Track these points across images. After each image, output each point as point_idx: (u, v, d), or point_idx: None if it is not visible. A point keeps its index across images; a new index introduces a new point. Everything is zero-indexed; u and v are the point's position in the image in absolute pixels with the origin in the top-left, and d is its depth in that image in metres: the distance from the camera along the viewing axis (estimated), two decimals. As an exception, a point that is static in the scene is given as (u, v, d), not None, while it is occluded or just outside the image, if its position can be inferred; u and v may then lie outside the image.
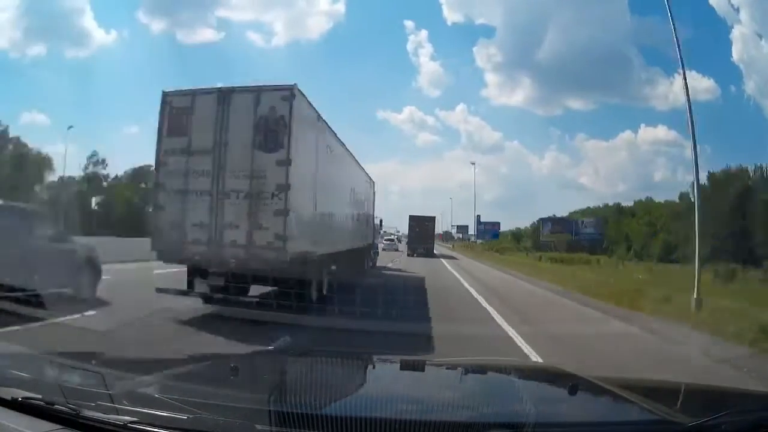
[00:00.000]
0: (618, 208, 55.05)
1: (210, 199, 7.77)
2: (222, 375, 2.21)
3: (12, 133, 46.21)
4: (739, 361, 6.37)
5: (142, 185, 55.64)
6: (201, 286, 8.03)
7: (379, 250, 26.42)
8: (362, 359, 2.97)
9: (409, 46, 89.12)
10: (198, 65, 78.69)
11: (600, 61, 66.10)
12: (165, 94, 8.24)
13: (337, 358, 3.03)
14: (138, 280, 10.39)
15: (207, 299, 8.18)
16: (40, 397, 1.52)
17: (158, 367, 2.29)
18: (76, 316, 7.16)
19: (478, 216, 60.06)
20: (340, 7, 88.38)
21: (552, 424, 1.68)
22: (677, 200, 49.65)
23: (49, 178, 45.09)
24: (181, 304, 8.07)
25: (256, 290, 8.59)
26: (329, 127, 10.37)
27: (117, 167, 58.52)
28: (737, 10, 57.00)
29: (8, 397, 1.54)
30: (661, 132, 77.63)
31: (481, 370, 2.74)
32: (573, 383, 2.02)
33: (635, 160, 70.12)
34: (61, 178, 45.13)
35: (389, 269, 22.02)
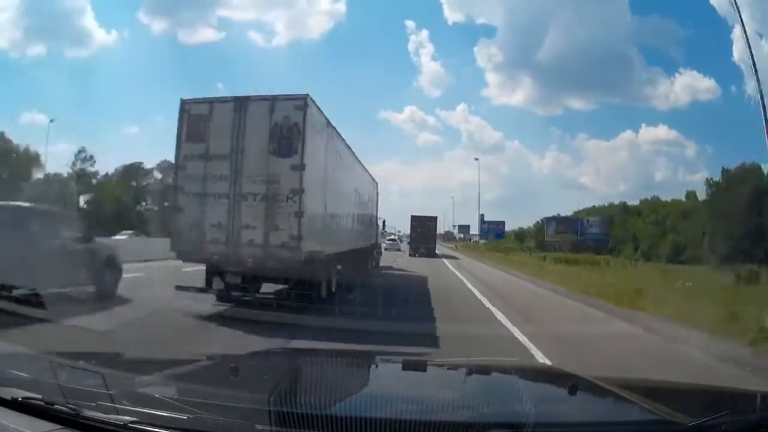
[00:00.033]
0: (623, 207, 53.92)
1: (228, 201, 8.18)
2: (222, 375, 2.21)
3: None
4: None
5: (133, 183, 54.99)
6: (218, 283, 8.42)
7: (382, 249, 26.51)
8: (362, 358, 2.98)
9: (410, 46, 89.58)
10: (199, 65, 79.07)
11: (601, 60, 66.16)
12: (183, 102, 8.62)
13: (337, 358, 3.04)
14: (151, 280, 11.11)
15: (223, 297, 8.52)
16: (40, 397, 1.52)
17: (158, 367, 2.30)
18: (100, 313, 7.66)
19: (482, 215, 58.07)
20: (341, 7, 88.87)
21: (552, 424, 1.68)
22: (683, 199, 48.81)
23: (37, 175, 43.72)
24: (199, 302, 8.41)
25: (266, 289, 9.08)
26: (337, 132, 10.78)
27: (114, 166, 57.65)
28: (738, 10, 56.91)
29: (8, 397, 1.54)
30: (662, 132, 77.84)
31: (480, 370, 2.74)
32: (573, 383, 2.02)
33: (636, 160, 70.15)
34: (47, 176, 43.82)
35: (393, 269, 22.30)
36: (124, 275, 9.88)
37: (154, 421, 1.43)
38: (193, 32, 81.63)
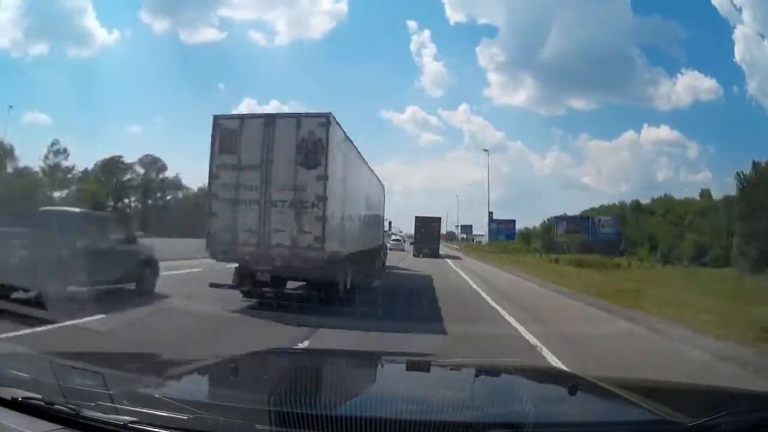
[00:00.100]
0: (636, 206, 50.84)
1: (258, 207, 9.13)
2: (222, 375, 2.21)
3: (14, 133, 45.81)
4: None
5: (114, 180, 52.57)
6: (247, 282, 9.32)
7: (388, 250, 26.95)
8: (362, 359, 2.98)
9: (412, 46, 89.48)
10: (200, 65, 79.11)
11: (602, 60, 66.08)
12: (216, 117, 9.59)
13: (336, 358, 3.04)
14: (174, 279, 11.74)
15: (251, 294, 9.32)
16: (40, 397, 1.52)
17: (158, 367, 2.30)
18: (147, 306, 8.78)
19: (491, 213, 53.21)
20: (343, 7, 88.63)
21: (552, 424, 1.68)
22: (691, 198, 47.23)
23: (11, 168, 41.91)
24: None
25: (289, 286, 10.10)
26: (352, 143, 11.66)
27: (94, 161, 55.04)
28: (740, 10, 56.97)
29: (8, 397, 1.54)
30: (664, 132, 77.72)
31: (480, 370, 2.74)
32: (573, 383, 2.02)
33: (638, 160, 70.05)
34: (16, 169, 42.01)
35: (399, 268, 22.88)
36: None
37: (154, 421, 1.43)
38: (195, 32, 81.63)
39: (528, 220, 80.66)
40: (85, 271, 8.25)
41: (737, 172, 32.11)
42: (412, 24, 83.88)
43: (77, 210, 10.95)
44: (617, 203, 54.04)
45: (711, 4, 67.98)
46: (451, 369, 2.85)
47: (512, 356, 5.78)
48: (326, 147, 9.02)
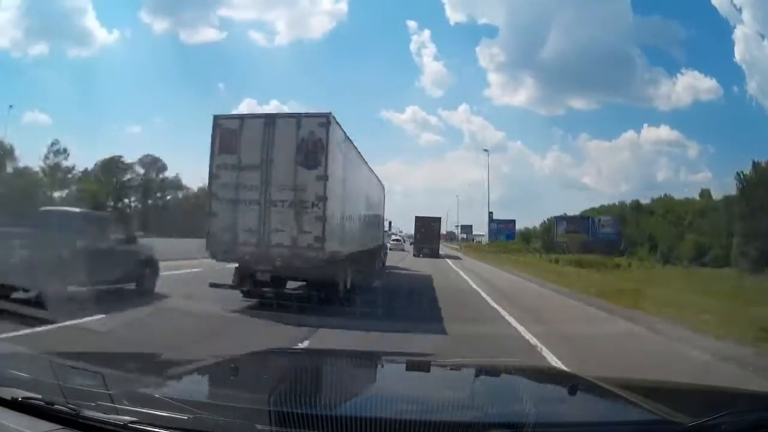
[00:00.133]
0: (636, 206, 50.28)
1: (258, 207, 9.12)
2: (222, 375, 2.21)
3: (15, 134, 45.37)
4: None
5: (114, 180, 52.01)
6: (247, 282, 9.35)
7: (388, 250, 27.10)
8: (361, 359, 2.98)
9: (412, 46, 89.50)
10: (200, 65, 79.07)
11: (602, 60, 66.10)
12: (216, 117, 9.57)
13: (336, 358, 3.04)
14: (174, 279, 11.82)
15: (250, 294, 9.36)
16: (40, 397, 1.52)
17: (158, 367, 2.30)
18: (148, 306, 8.90)
19: (491, 213, 52.24)
20: (343, 7, 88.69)
21: (552, 424, 1.68)
22: (690, 198, 46.88)
23: (11, 168, 41.25)
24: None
25: (289, 286, 10.15)
26: (352, 143, 11.66)
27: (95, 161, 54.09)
28: (739, 10, 56.98)
29: (8, 397, 1.54)
30: (664, 132, 77.77)
31: (480, 370, 2.74)
32: (573, 383, 2.02)
33: (638, 160, 70.08)
34: (16, 169, 41.44)
35: (399, 268, 23.01)
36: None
37: (154, 421, 1.43)
38: (195, 32, 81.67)
39: (528, 220, 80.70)
40: (85, 271, 8.29)
41: (737, 172, 31.82)
42: (412, 24, 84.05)
43: (77, 210, 11.01)
44: (617, 203, 53.75)
45: (711, 4, 68.06)
46: (450, 369, 2.85)
47: (512, 356, 5.76)
48: (326, 147, 9.03)
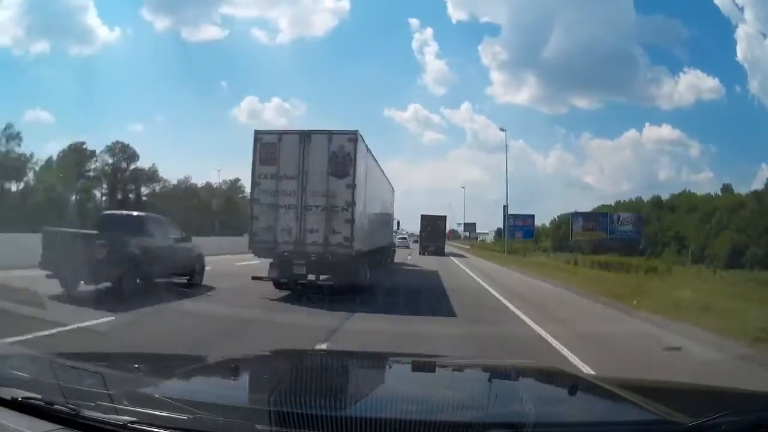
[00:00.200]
0: (657, 202, 46.99)
1: (295, 211, 10.55)
2: (222, 375, 2.21)
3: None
4: None
5: (79, 170, 46.44)
6: (283, 275, 10.65)
7: (396, 248, 27.89)
8: (361, 359, 2.98)
9: (414, 44, 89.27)
10: (202, 63, 79.10)
11: (605, 59, 66.11)
12: (257, 132, 10.99)
13: (336, 359, 3.04)
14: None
15: (284, 286, 10.89)
16: (40, 397, 1.52)
17: (158, 367, 2.30)
18: (211, 293, 10.90)
19: (505, 206, 44.30)
20: (345, 5, 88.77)
21: (552, 424, 1.68)
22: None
23: None
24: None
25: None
26: (372, 154, 13.22)
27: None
28: (742, 9, 56.95)
29: (8, 397, 1.54)
30: (666, 131, 77.89)
31: (480, 370, 2.74)
32: (573, 383, 2.02)
33: (640, 159, 70.16)
34: None
35: (407, 264, 24.83)
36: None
37: (154, 421, 1.43)
38: (197, 30, 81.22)
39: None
40: (154, 266, 10.05)
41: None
42: (414, 22, 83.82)
43: (141, 213, 12.63)
44: (633, 199, 51.04)
45: (713, 4, 68.14)
46: (450, 369, 2.85)
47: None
48: (354, 159, 10.46)
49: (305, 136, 10.74)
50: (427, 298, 11.11)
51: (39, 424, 1.48)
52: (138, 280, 9.80)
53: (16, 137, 43.69)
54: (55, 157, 47.47)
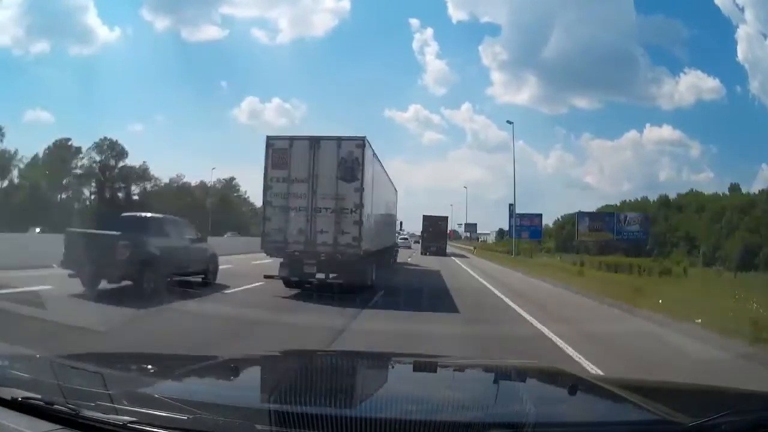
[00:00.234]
0: (664, 201, 46.09)
1: (306, 213, 11.08)
2: (222, 375, 2.21)
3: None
4: None
5: (64, 168, 44.45)
6: (294, 273, 11.15)
7: (398, 248, 28.32)
8: (361, 359, 2.98)
9: (415, 45, 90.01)
10: (202, 63, 79.09)
11: (605, 60, 66.28)
12: (269, 138, 11.50)
13: (335, 359, 3.04)
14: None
15: (293, 284, 11.29)
16: (39, 397, 1.52)
17: (158, 367, 2.30)
18: (227, 291, 11.25)
19: (511, 205, 42.20)
20: (346, 5, 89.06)
21: (552, 424, 1.68)
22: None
23: None
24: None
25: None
26: (378, 158, 13.79)
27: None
28: (742, 10, 56.98)
29: (8, 397, 1.54)
30: (666, 132, 78.05)
31: (480, 370, 2.74)
32: (573, 383, 2.02)
33: (640, 160, 70.33)
34: None
35: (409, 264, 25.45)
36: None
37: (154, 421, 1.43)
38: (197, 30, 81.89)
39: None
40: (172, 265, 10.45)
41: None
42: (414, 22, 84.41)
43: (160, 215, 12.83)
44: (639, 199, 50.67)
45: (714, 4, 68.37)
46: (450, 369, 2.85)
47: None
48: (362, 164, 10.98)
49: (315, 141, 11.20)
50: (430, 295, 11.78)
51: (39, 424, 1.48)
52: (161, 278, 10.20)
53: (-1, 133, 40.95)
54: (41, 155, 46.17)
